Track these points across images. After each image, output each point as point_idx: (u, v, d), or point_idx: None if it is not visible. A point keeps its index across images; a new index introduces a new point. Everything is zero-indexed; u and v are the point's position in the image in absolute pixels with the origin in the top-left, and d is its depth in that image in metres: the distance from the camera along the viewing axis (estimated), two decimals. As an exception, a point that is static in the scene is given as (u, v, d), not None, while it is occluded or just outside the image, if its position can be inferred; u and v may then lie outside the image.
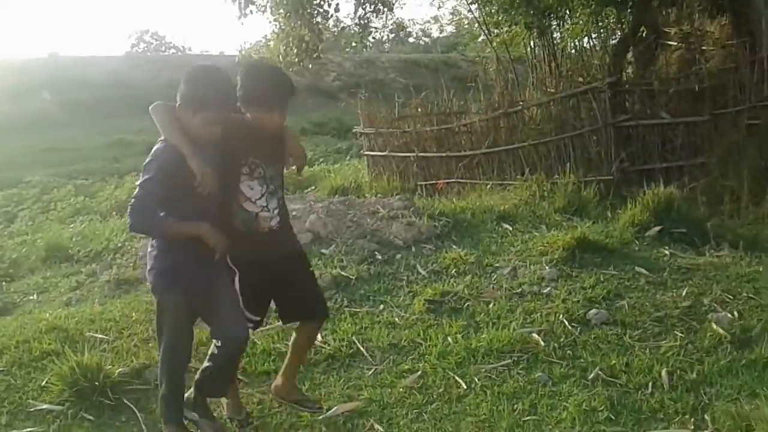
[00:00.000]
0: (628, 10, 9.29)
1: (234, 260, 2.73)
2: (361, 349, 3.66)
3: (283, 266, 2.81)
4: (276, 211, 2.76)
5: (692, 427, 2.75)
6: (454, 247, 5.19)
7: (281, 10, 10.09)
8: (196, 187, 2.41)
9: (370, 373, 3.43)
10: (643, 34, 9.11)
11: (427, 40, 49.34)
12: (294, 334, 3.02)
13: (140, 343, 3.77)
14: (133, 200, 2.38)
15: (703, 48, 8.60)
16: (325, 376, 3.43)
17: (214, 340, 2.73)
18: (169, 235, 2.51)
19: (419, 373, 3.34)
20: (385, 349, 3.66)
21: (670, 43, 9.06)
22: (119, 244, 6.68)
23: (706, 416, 2.79)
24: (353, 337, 3.78)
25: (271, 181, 2.74)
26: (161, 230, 2.49)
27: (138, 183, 2.40)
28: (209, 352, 2.79)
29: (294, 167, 2.93)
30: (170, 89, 2.82)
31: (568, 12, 10.31)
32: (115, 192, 11.26)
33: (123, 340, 3.82)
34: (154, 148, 2.45)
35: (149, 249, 2.61)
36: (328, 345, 3.69)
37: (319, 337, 3.54)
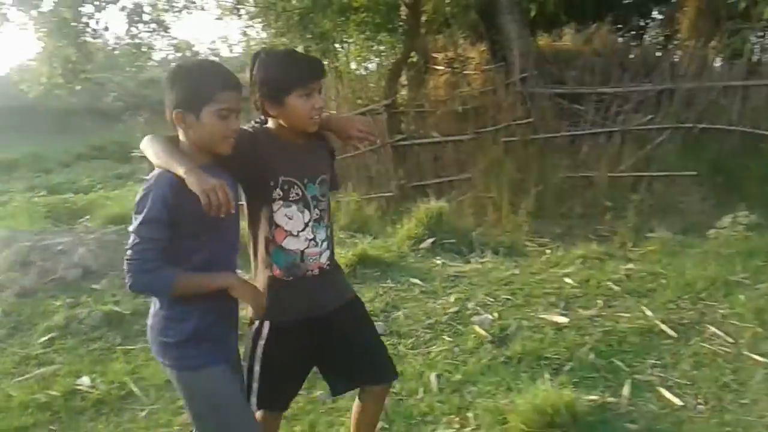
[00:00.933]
0: (400, 37, 9.89)
1: (272, 321, 2.06)
2: (134, 389, 3.43)
3: (339, 319, 2.13)
4: (325, 244, 2.10)
5: (457, 426, 2.94)
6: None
7: (44, 29, 9.21)
8: (208, 213, 1.73)
9: (144, 414, 3.23)
10: (414, 59, 9.76)
11: (216, 59, 48.32)
12: (357, 408, 2.31)
13: None
14: (129, 252, 1.80)
15: (466, 72, 9.45)
16: (93, 424, 3.17)
17: None
18: (186, 293, 1.85)
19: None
20: (161, 386, 3.45)
21: (437, 67, 9.82)
22: None
23: (468, 414, 3.00)
24: (126, 378, 3.53)
25: (316, 203, 2.07)
26: (172, 288, 1.82)
27: (131, 229, 1.81)
28: None
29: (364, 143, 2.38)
30: None
31: (344, 37, 10.69)
32: None
33: None
34: (147, 179, 1.86)
35: (152, 314, 1.95)
36: (97, 389, 3.42)
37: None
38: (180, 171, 1.75)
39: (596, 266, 5.04)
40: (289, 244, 2.03)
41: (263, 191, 2.00)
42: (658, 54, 8.34)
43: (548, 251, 5.66)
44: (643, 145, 7.06)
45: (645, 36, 8.73)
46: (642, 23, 10.50)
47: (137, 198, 1.81)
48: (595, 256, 5.30)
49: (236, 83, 1.87)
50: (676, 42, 8.79)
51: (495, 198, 7.08)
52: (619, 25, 9.96)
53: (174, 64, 2.27)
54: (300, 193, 2.02)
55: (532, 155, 7.55)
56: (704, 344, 3.60)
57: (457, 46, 10.14)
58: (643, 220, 6.42)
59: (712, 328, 3.77)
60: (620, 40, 9.11)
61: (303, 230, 2.03)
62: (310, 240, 2.05)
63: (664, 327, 3.79)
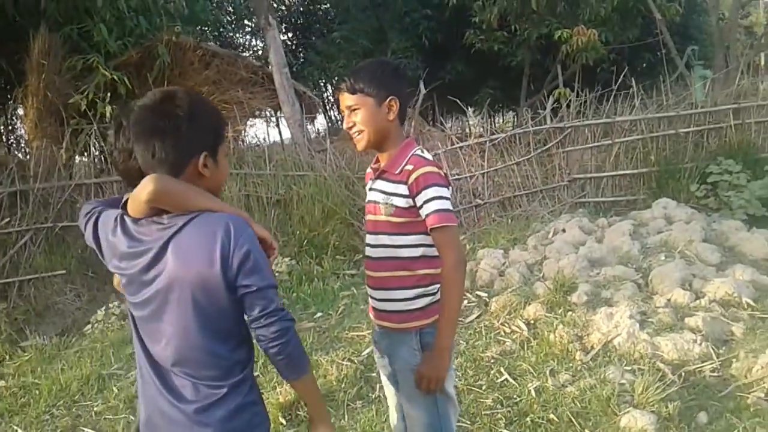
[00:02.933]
0: None
1: None
2: None
3: None
4: None
5: None
6: None
7: None
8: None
9: None
10: None
11: None
12: None
13: None
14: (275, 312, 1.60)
15: None
16: None
17: None
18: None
19: None
20: None
21: None
22: None
23: None
24: None
25: None
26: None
27: (263, 284, 1.57)
28: None
29: None
30: None
31: None
32: None
33: None
34: (227, 226, 1.56)
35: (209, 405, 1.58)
36: None
37: None
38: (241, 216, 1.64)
39: (-40, 397, 4.48)
40: None
41: None
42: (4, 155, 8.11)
43: None
44: (6, 249, 6.70)
45: None
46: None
47: (243, 251, 1.55)
48: (-41, 384, 4.71)
49: None
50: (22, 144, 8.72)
51: None
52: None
53: (166, 102, 1.62)
54: None
55: None
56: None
57: None
58: (19, 329, 6.09)
59: (87, 430, 3.82)
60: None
61: None
62: None
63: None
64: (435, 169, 2.04)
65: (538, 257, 5.75)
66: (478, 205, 8.15)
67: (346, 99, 2.10)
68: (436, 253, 2.07)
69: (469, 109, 14.60)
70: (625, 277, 4.93)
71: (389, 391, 2.38)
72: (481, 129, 11.93)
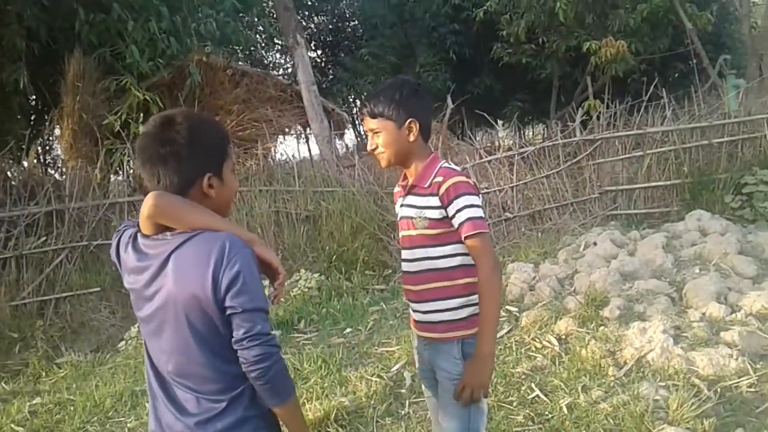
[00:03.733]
0: None
1: None
2: None
3: None
4: None
5: None
6: None
7: None
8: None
9: None
10: None
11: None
12: None
13: None
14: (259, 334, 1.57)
15: None
16: None
17: None
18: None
19: None
20: None
21: None
22: None
23: None
24: None
25: None
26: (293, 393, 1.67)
27: (249, 306, 1.56)
28: None
29: None
30: None
31: None
32: None
33: None
34: (222, 245, 1.56)
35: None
36: None
37: None
38: (248, 236, 1.65)
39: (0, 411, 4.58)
40: None
41: None
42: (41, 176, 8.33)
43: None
44: (42, 267, 6.87)
45: (23, 158, 8.56)
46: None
47: (233, 270, 1.54)
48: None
49: None
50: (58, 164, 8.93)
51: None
52: None
53: (166, 128, 1.64)
54: None
55: None
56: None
57: None
58: (55, 346, 6.22)
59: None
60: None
61: None
62: None
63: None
64: (464, 179, 2.08)
65: (569, 271, 5.68)
66: (507, 218, 8.09)
67: (369, 123, 2.17)
68: (473, 262, 2.10)
69: (499, 122, 14.57)
70: (658, 290, 4.83)
71: (431, 403, 2.41)
72: (511, 142, 11.88)
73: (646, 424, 3.26)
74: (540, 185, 8.30)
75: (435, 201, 2.08)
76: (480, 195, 2.15)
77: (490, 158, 8.52)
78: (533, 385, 3.94)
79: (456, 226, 2.06)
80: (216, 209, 1.68)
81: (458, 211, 2.04)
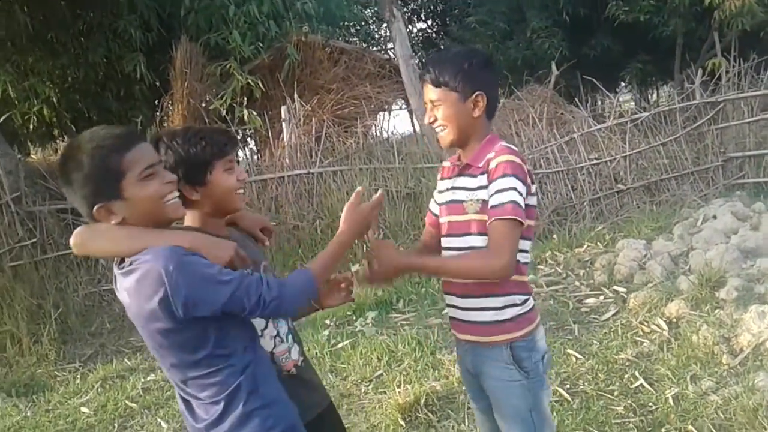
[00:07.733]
0: None
1: None
2: None
3: (328, 423, 1.96)
4: (291, 337, 1.90)
5: None
6: None
7: None
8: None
9: None
10: None
11: None
12: None
13: None
14: (256, 295, 1.54)
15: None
16: None
17: None
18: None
19: None
20: None
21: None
22: None
23: None
24: None
25: None
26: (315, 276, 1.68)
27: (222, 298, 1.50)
28: None
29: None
30: None
31: None
32: None
33: None
34: (159, 277, 1.43)
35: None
36: None
37: None
38: (188, 240, 1.54)
39: (116, 386, 4.88)
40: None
41: None
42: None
43: (75, 379, 5.28)
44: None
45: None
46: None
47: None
48: (117, 374, 5.16)
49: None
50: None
51: (13, 330, 6.36)
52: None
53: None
54: None
55: (46, 277, 7.05)
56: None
57: None
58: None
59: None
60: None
61: (265, 328, 1.82)
62: (275, 337, 1.85)
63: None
64: (518, 160, 1.84)
65: (684, 248, 5.24)
66: (620, 191, 7.61)
67: (429, 92, 1.93)
68: (525, 259, 1.89)
69: (621, 84, 13.62)
70: (784, 270, 4.35)
71: (478, 418, 2.22)
72: (632, 105, 11.07)
73: (760, 419, 2.93)
74: (656, 153, 7.73)
75: (485, 179, 1.87)
76: (533, 184, 1.90)
77: (599, 126, 8.02)
78: (637, 373, 3.67)
79: (489, 205, 1.82)
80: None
81: (498, 191, 1.80)
